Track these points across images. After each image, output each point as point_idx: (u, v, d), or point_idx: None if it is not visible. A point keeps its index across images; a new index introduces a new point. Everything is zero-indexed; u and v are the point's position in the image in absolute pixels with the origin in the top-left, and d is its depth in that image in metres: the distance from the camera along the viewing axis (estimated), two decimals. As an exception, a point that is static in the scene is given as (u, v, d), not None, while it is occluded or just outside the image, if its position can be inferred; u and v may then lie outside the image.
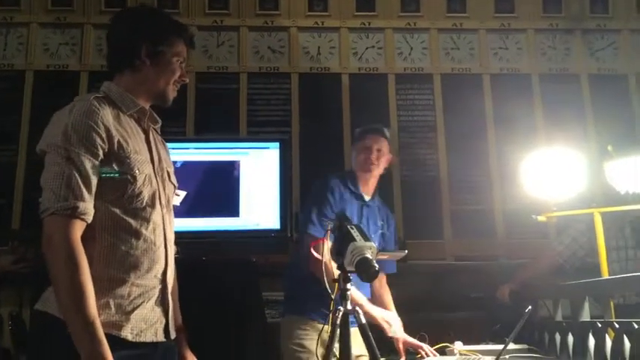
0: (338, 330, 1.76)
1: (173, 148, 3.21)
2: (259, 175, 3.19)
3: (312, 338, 2.34)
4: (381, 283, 2.65)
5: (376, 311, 2.43)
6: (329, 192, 2.47)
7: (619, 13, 3.97)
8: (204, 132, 3.57)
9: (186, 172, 3.18)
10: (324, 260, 1.98)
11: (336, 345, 1.77)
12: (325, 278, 1.88)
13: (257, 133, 3.61)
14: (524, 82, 3.85)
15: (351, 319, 1.77)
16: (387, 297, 2.65)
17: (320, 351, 2.10)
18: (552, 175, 2.67)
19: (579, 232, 2.91)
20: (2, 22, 3.65)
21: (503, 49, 3.90)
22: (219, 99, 3.67)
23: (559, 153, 2.70)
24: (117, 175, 1.47)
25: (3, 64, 3.60)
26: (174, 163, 3.17)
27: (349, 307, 1.80)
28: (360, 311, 1.85)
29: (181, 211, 3.12)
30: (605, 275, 2.54)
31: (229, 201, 3.13)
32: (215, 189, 3.18)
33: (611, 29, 3.96)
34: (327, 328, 1.83)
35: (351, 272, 1.78)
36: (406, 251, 2.56)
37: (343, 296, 1.80)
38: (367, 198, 2.58)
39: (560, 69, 3.89)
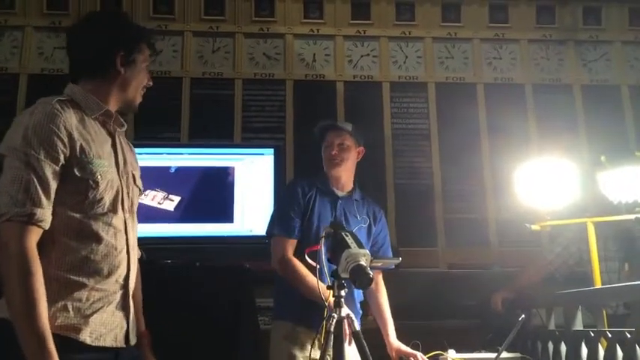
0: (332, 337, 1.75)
1: (168, 153, 3.27)
2: (253, 181, 3.19)
3: (301, 345, 2.31)
4: (377, 284, 2.60)
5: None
6: (290, 193, 2.45)
7: (611, 24, 4.01)
8: (199, 137, 3.56)
9: (180, 177, 3.18)
10: (317, 267, 1.97)
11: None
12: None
13: (251, 140, 3.61)
14: (517, 92, 3.88)
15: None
16: (383, 299, 2.57)
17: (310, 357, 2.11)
18: (545, 184, 2.68)
19: (569, 241, 2.93)
20: (-3, 25, 3.64)
21: (497, 58, 3.93)
22: (214, 105, 3.67)
23: (552, 163, 2.72)
24: (78, 181, 1.44)
25: (-3, 68, 3.58)
26: (169, 168, 3.22)
27: (343, 314, 1.79)
28: (353, 318, 1.85)
29: (175, 217, 3.16)
30: (598, 285, 2.55)
31: (223, 207, 3.13)
32: (209, 194, 3.17)
33: (604, 40, 4.00)
34: (321, 335, 1.82)
35: (345, 279, 1.77)
36: (400, 258, 2.54)
37: (337, 303, 1.80)
38: (340, 193, 2.50)
39: (553, 79, 3.92)
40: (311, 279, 2.18)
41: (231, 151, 3.34)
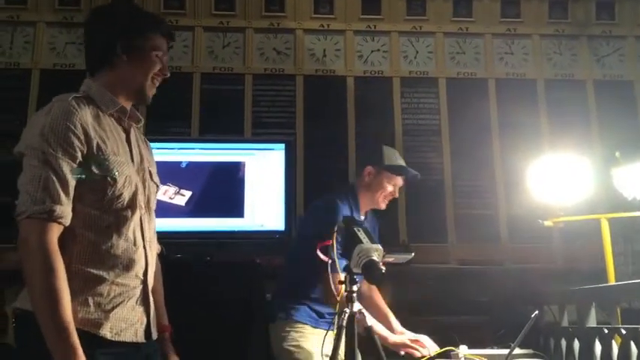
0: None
1: (178, 148, 3.27)
2: (264, 177, 3.19)
3: (308, 339, 2.32)
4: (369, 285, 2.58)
5: (405, 336, 2.42)
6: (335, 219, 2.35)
7: (625, 19, 3.97)
8: (209, 132, 3.56)
9: (191, 172, 3.19)
10: (329, 262, 1.97)
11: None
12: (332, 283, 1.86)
13: (261, 135, 3.60)
14: (529, 88, 3.85)
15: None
16: (377, 295, 2.56)
17: (320, 353, 2.11)
18: (558, 180, 2.66)
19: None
20: (9, 20, 3.65)
21: (509, 54, 3.90)
22: (224, 100, 3.67)
23: (565, 158, 2.70)
24: (96, 178, 1.45)
25: (9, 63, 3.60)
26: (180, 163, 3.23)
27: (355, 309, 1.79)
28: (365, 313, 1.85)
29: (186, 212, 3.16)
30: (612, 281, 2.53)
31: (234, 202, 3.13)
32: (220, 189, 3.18)
33: (617, 35, 3.96)
34: (332, 331, 1.83)
35: (357, 274, 1.77)
36: (413, 254, 2.54)
37: (349, 298, 1.80)
38: (361, 218, 2.52)
39: (566, 75, 3.89)
40: None
41: (242, 146, 3.34)
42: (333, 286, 2.25)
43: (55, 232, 1.37)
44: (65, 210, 1.39)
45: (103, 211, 1.46)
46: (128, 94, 1.60)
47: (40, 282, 1.33)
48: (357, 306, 1.81)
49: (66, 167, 1.40)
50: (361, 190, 2.49)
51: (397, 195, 2.49)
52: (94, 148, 1.45)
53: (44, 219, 1.36)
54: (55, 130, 1.41)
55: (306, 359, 2.31)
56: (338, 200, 2.42)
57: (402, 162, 2.53)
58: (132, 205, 1.52)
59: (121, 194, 1.49)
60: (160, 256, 1.73)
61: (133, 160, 1.57)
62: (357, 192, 2.49)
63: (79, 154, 1.42)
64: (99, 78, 1.58)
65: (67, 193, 1.40)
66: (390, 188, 2.46)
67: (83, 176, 1.43)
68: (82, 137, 1.43)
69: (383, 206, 2.49)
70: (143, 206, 1.57)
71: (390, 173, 2.46)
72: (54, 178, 1.38)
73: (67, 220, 1.40)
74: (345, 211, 2.40)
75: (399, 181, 2.48)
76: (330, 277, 2.25)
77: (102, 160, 1.46)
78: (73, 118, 1.43)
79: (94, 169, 1.44)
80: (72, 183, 1.41)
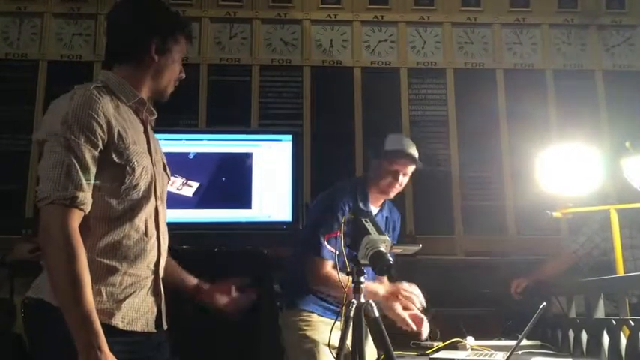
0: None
1: (186, 140, 3.28)
2: (271, 168, 3.19)
3: (315, 328, 2.32)
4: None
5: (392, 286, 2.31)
6: (338, 212, 2.32)
7: (635, 8, 3.92)
8: (216, 124, 3.56)
9: (198, 163, 3.20)
10: (336, 253, 1.97)
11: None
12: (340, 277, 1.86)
13: (268, 126, 3.60)
14: (538, 78, 3.82)
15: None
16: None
17: (326, 342, 2.12)
18: (567, 171, 2.64)
19: (594, 232, 2.89)
20: (16, 11, 3.66)
21: (518, 44, 3.87)
22: (231, 91, 3.67)
23: (575, 149, 2.68)
24: (116, 166, 1.46)
25: (17, 54, 3.62)
26: (188, 154, 3.23)
27: (362, 300, 1.79)
28: (373, 304, 1.85)
29: (193, 203, 3.17)
30: (621, 273, 2.52)
31: (241, 193, 3.14)
32: (227, 181, 3.18)
33: (627, 25, 3.92)
34: (339, 322, 1.83)
35: (364, 265, 1.77)
36: (420, 245, 2.51)
37: (357, 289, 1.80)
38: (374, 210, 2.47)
39: (575, 65, 3.86)
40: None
41: (249, 137, 3.35)
42: (313, 269, 2.28)
43: (76, 218, 1.38)
44: (87, 197, 1.40)
45: (119, 201, 1.47)
46: (149, 91, 1.62)
47: (63, 269, 1.34)
48: (364, 297, 1.81)
49: (88, 154, 1.40)
50: (369, 181, 2.47)
51: (402, 181, 2.38)
52: (115, 137, 1.46)
53: (66, 205, 1.36)
54: (78, 118, 1.41)
55: (312, 348, 2.31)
56: (340, 192, 2.41)
57: (404, 145, 2.40)
58: (147, 195, 1.53)
59: (138, 184, 1.49)
60: (169, 248, 1.74)
61: (150, 151, 1.58)
62: (366, 184, 2.47)
63: (101, 143, 1.43)
64: (120, 71, 1.58)
65: (88, 181, 1.40)
66: (392, 175, 2.38)
67: (102, 165, 1.43)
68: (105, 125, 1.44)
69: (391, 194, 2.43)
70: (159, 197, 1.59)
71: (388, 159, 2.38)
72: (76, 165, 1.38)
73: (88, 207, 1.41)
74: (347, 202, 2.37)
75: (402, 166, 2.37)
76: (315, 261, 2.29)
77: (122, 149, 1.46)
78: (96, 106, 1.43)
79: (115, 158, 1.45)
80: (93, 171, 1.42)
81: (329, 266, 2.30)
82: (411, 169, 2.41)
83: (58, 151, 1.39)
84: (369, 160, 2.62)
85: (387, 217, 2.52)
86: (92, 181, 1.42)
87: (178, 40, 1.61)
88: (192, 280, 1.76)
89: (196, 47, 3.70)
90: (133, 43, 1.57)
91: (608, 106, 3.76)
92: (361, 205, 2.42)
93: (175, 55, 1.60)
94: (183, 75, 1.66)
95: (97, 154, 1.42)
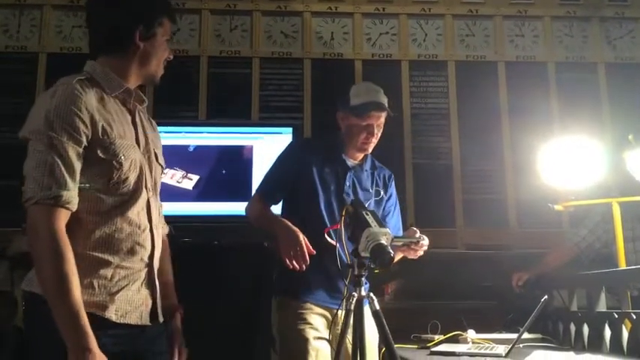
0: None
1: (186, 132, 3.26)
2: (272, 161, 3.17)
3: (310, 323, 2.17)
4: None
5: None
6: (281, 157, 2.35)
7: (637, 1, 3.90)
8: (216, 116, 3.55)
9: (199, 156, 3.18)
10: (337, 245, 1.96)
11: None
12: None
13: (269, 119, 3.59)
14: (540, 71, 3.80)
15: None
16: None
17: (326, 335, 2.10)
18: (569, 164, 2.63)
19: (595, 224, 2.89)
20: (16, 3, 3.63)
21: (520, 36, 3.85)
22: (232, 83, 3.65)
23: (577, 142, 2.66)
24: (102, 162, 1.44)
25: (16, 46, 3.60)
26: (187, 146, 3.22)
27: (363, 293, 1.78)
28: (373, 297, 1.84)
29: (193, 195, 3.16)
30: (623, 266, 2.51)
31: (242, 185, 3.12)
32: (227, 173, 3.17)
33: (630, 17, 3.90)
34: (340, 313, 1.82)
35: (365, 258, 1.76)
36: (424, 238, 2.43)
37: (357, 282, 1.79)
38: (352, 163, 2.33)
39: (577, 57, 3.83)
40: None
41: (249, 130, 3.33)
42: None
43: (62, 217, 1.37)
44: (72, 195, 1.38)
45: (109, 195, 1.45)
46: (138, 78, 1.59)
47: (49, 268, 1.33)
48: (365, 290, 1.80)
49: (72, 152, 1.39)
50: (343, 136, 2.34)
51: (377, 133, 2.25)
52: (100, 132, 1.44)
53: (51, 205, 1.35)
54: (61, 115, 1.39)
55: (304, 344, 2.14)
56: (300, 143, 2.43)
57: (371, 97, 2.26)
58: (137, 188, 1.51)
59: (127, 178, 1.48)
60: (170, 237, 1.73)
61: (138, 143, 1.56)
62: (342, 138, 2.35)
63: (84, 139, 1.41)
64: (106, 61, 1.55)
65: (73, 178, 1.39)
66: (361, 134, 2.25)
67: (88, 161, 1.42)
68: (88, 121, 1.42)
69: (369, 149, 2.30)
70: (150, 189, 1.57)
71: (357, 114, 2.25)
72: (60, 163, 1.37)
73: (74, 206, 1.39)
74: (300, 148, 2.38)
75: (374, 119, 2.24)
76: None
77: (107, 144, 1.44)
78: (78, 102, 1.41)
79: (100, 154, 1.43)
80: (77, 168, 1.40)
81: (256, 200, 2.33)
82: (382, 116, 2.27)
83: (41, 149, 1.38)
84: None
85: (372, 173, 2.38)
86: (77, 179, 1.40)
87: (162, 23, 1.58)
88: (173, 304, 1.70)
89: (196, 39, 3.68)
90: (116, 32, 1.54)
91: (610, 98, 3.74)
92: (328, 150, 2.32)
93: (160, 38, 1.58)
94: (171, 56, 1.63)
95: (81, 150, 1.40)
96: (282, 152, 2.39)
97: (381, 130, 2.30)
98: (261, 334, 2.76)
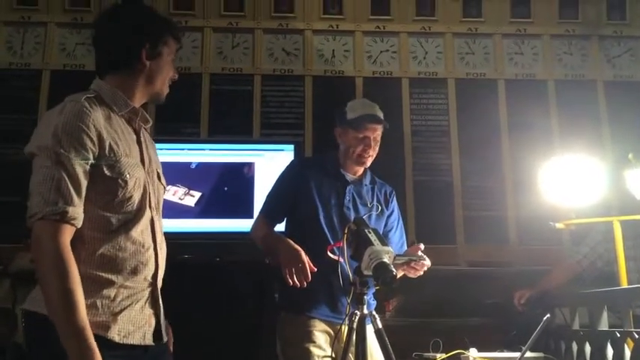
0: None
1: (188, 149, 3.28)
2: (273, 177, 3.17)
3: (314, 340, 2.16)
4: None
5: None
6: (281, 175, 2.42)
7: (636, 19, 3.94)
8: (218, 133, 3.57)
9: (200, 173, 3.19)
10: (340, 261, 1.96)
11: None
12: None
13: (270, 136, 3.61)
14: (539, 88, 3.83)
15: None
16: None
17: (329, 352, 2.09)
18: (570, 182, 2.64)
19: (597, 243, 2.89)
20: (20, 21, 3.67)
21: (519, 54, 3.88)
22: (233, 101, 3.68)
23: (577, 160, 2.68)
24: (108, 179, 1.44)
25: (20, 64, 3.62)
26: (190, 164, 3.23)
27: (365, 311, 1.79)
28: (376, 316, 1.84)
29: (196, 212, 3.17)
30: (624, 284, 2.51)
31: (243, 202, 3.13)
32: (229, 190, 3.18)
33: (628, 36, 3.93)
34: (344, 329, 1.82)
35: (368, 276, 1.76)
36: (426, 258, 2.43)
37: (360, 300, 1.79)
38: (351, 177, 2.36)
39: (576, 75, 3.86)
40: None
41: (251, 147, 3.35)
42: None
43: (67, 233, 1.37)
44: (77, 211, 1.38)
45: (113, 213, 1.45)
46: (143, 96, 1.61)
47: (54, 285, 1.32)
48: (368, 308, 1.81)
49: (79, 168, 1.39)
50: (341, 152, 2.38)
51: (374, 145, 2.29)
52: (107, 149, 1.44)
53: (57, 220, 1.35)
54: (68, 131, 1.40)
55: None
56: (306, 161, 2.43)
57: (367, 110, 2.32)
58: (141, 207, 1.51)
59: (131, 196, 1.48)
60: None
61: (143, 162, 1.57)
62: (339, 154, 2.39)
63: (91, 156, 1.41)
64: (112, 79, 1.56)
65: (79, 195, 1.39)
66: (358, 146, 2.29)
67: (94, 178, 1.42)
68: (95, 139, 1.42)
69: (367, 162, 2.33)
70: (154, 208, 1.57)
71: (354, 127, 2.29)
72: (67, 179, 1.37)
73: (80, 222, 1.39)
74: (298, 166, 2.44)
75: (371, 131, 2.28)
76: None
77: (114, 162, 1.45)
78: (86, 119, 1.42)
79: (106, 171, 1.44)
80: (84, 184, 1.40)
81: (260, 221, 2.38)
82: (379, 129, 2.31)
83: (47, 165, 1.38)
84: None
85: (372, 188, 2.40)
86: (83, 195, 1.40)
87: (168, 42, 1.60)
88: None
89: (199, 57, 3.71)
90: (123, 51, 1.55)
91: (610, 116, 3.76)
92: (327, 165, 2.36)
93: (166, 57, 1.60)
94: (176, 76, 1.65)
95: (87, 167, 1.40)
96: (283, 172, 2.43)
97: (378, 144, 2.34)
98: (263, 350, 2.74)
